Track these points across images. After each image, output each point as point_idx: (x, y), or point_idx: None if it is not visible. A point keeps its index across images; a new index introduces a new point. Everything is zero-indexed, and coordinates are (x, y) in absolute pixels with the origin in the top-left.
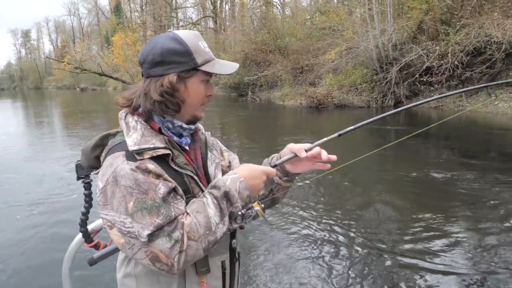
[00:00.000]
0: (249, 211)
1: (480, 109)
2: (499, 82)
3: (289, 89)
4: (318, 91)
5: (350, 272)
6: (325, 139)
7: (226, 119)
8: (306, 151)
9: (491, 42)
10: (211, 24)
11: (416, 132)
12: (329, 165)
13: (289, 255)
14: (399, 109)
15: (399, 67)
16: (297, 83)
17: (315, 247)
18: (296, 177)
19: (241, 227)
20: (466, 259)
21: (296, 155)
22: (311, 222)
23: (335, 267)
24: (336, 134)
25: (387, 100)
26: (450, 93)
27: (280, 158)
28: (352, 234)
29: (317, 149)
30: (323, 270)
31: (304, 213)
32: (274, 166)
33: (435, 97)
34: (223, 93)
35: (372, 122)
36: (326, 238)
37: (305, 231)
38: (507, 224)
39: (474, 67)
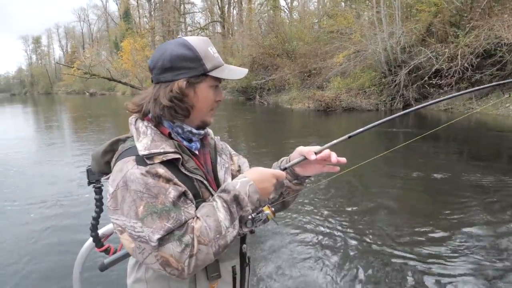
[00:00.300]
0: (259, 214)
1: (491, 111)
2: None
3: (297, 93)
4: (326, 95)
5: (358, 273)
6: (335, 141)
7: (233, 123)
8: (315, 153)
9: (502, 44)
10: (218, 28)
11: (425, 134)
12: (338, 168)
13: (297, 257)
14: (409, 109)
15: (408, 69)
16: (305, 86)
17: (324, 249)
18: (306, 180)
19: (252, 231)
20: (476, 261)
21: (305, 158)
22: (321, 224)
23: (343, 270)
24: (346, 136)
25: (395, 103)
26: (460, 93)
27: (290, 161)
28: (361, 236)
29: (327, 151)
30: (331, 272)
31: (314, 215)
32: (284, 169)
33: (445, 97)
34: (231, 97)
35: (382, 124)
36: (335, 240)
37: (313, 233)
38: None
39: (484, 69)
